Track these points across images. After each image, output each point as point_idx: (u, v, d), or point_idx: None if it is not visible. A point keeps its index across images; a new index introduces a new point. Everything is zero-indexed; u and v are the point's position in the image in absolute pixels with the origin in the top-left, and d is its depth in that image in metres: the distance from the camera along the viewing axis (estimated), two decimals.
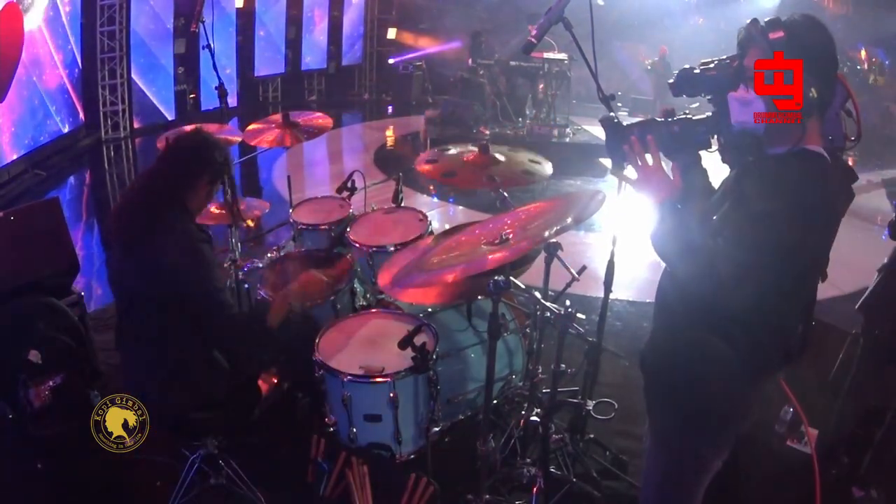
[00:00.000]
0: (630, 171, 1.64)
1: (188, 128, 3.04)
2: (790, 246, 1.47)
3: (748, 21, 1.54)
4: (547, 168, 3.01)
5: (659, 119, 1.63)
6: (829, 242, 1.56)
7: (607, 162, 1.72)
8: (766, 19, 1.53)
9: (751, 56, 1.52)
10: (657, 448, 1.89)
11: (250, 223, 3.57)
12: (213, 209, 3.64)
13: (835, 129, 1.65)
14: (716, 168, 1.77)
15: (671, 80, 1.64)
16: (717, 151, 1.66)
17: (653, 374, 1.86)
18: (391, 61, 12.87)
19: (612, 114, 1.73)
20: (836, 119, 1.68)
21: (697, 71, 1.58)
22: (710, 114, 1.60)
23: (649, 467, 1.96)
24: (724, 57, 1.58)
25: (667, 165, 1.63)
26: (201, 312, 2.27)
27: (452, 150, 3.18)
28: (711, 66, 1.58)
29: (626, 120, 1.72)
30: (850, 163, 7.17)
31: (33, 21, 7.28)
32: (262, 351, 2.57)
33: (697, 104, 1.61)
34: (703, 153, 1.65)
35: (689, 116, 1.61)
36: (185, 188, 2.35)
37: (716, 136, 1.60)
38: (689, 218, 1.58)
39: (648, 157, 1.58)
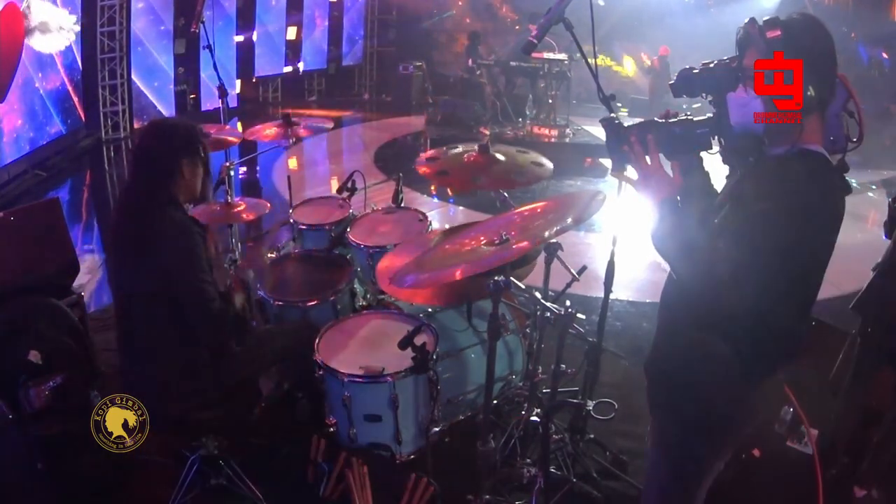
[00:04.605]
0: (630, 172, 1.64)
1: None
2: (789, 245, 1.47)
3: (746, 20, 1.54)
4: (547, 166, 2.98)
5: (659, 120, 1.63)
6: (831, 242, 1.55)
7: (608, 162, 1.71)
8: (764, 18, 1.52)
9: (749, 56, 1.52)
10: (659, 450, 1.89)
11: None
12: (214, 208, 3.64)
13: (836, 129, 1.65)
14: (719, 170, 1.76)
15: (671, 82, 1.63)
16: (718, 153, 1.65)
17: (655, 377, 1.86)
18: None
19: (612, 115, 1.70)
20: (837, 119, 1.68)
21: (697, 71, 1.58)
22: (710, 115, 1.60)
23: (652, 468, 1.96)
24: (725, 58, 1.57)
25: (667, 166, 1.62)
26: (184, 302, 2.26)
27: (458, 149, 3.15)
28: (711, 66, 1.58)
29: (627, 120, 1.71)
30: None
31: (44, 45, 7.32)
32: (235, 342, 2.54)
33: (699, 104, 1.60)
34: (704, 154, 1.64)
35: (689, 117, 1.61)
36: (167, 179, 2.32)
37: (717, 138, 1.59)
38: (689, 218, 1.58)
39: (648, 157, 1.58)
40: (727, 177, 1.77)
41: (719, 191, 1.76)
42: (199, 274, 2.26)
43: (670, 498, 1.89)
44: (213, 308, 2.28)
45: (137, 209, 2.31)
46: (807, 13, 1.54)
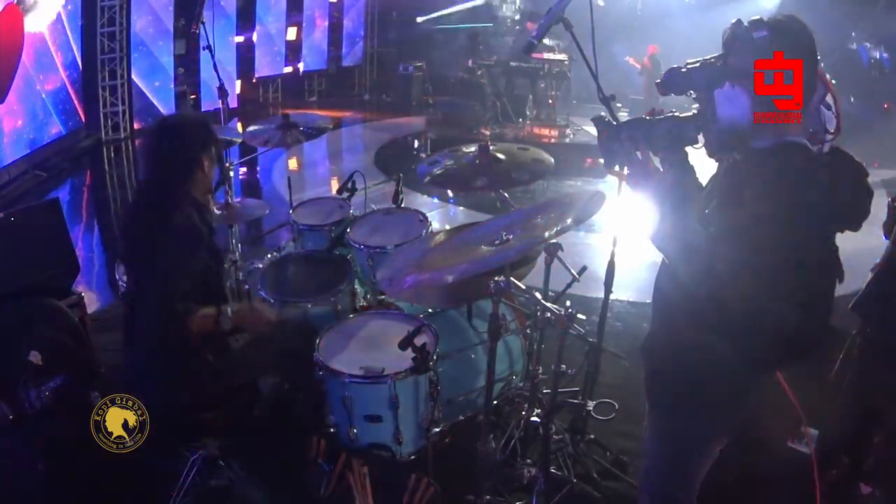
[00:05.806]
0: (623, 168, 1.68)
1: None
2: (791, 246, 1.49)
3: (732, 21, 1.59)
4: (548, 161, 2.96)
5: (647, 117, 1.68)
6: (829, 233, 1.57)
7: None
8: (749, 19, 1.57)
9: (735, 55, 1.57)
10: (658, 436, 1.91)
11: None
12: (214, 210, 3.64)
13: (815, 121, 1.70)
14: (702, 163, 1.79)
15: (658, 81, 1.68)
16: (702, 147, 1.69)
17: (654, 367, 1.89)
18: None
19: (602, 114, 1.78)
20: (815, 112, 1.74)
21: (685, 70, 1.63)
22: (695, 111, 1.65)
23: (650, 454, 1.97)
24: (710, 56, 1.63)
25: (656, 162, 1.67)
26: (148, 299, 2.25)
27: (461, 151, 3.14)
28: (697, 64, 1.63)
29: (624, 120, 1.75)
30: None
31: (34, 22, 7.29)
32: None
33: (696, 105, 1.63)
34: (689, 149, 1.68)
35: (675, 114, 1.66)
36: (186, 178, 2.31)
37: (701, 133, 1.64)
38: (688, 218, 1.60)
39: (638, 153, 1.63)
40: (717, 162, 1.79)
41: (704, 184, 1.81)
42: (175, 276, 2.22)
43: (668, 481, 1.91)
44: (174, 310, 2.23)
45: (158, 211, 2.28)
46: (789, 14, 1.59)
